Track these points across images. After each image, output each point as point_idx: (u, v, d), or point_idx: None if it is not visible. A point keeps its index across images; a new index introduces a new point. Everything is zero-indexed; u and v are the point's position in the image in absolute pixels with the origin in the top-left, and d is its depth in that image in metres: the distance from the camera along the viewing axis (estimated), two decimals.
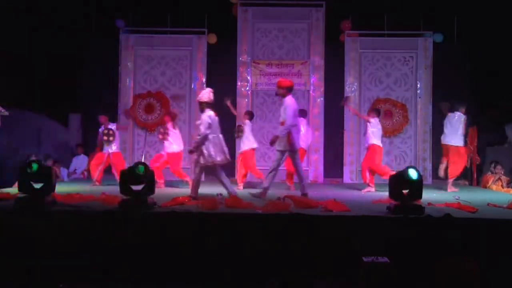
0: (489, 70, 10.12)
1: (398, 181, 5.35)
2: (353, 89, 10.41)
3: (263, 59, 10.50)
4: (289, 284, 4.44)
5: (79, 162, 10.27)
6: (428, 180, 10.01)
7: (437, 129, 10.12)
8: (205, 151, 6.55)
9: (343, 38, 10.55)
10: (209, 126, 6.56)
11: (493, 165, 8.94)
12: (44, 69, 10.07)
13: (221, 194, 6.21)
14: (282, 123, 6.76)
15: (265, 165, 10.35)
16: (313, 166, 10.23)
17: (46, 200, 5.37)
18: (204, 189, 7.15)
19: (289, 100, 6.79)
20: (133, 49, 10.54)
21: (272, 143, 6.90)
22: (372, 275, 4.31)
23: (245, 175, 8.59)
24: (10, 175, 7.40)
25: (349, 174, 10.27)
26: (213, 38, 10.60)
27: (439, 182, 9.07)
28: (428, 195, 7.00)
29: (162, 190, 7.65)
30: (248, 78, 10.40)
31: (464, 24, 10.42)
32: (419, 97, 10.38)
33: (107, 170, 9.01)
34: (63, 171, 9.72)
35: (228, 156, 6.80)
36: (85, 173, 10.17)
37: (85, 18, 10.63)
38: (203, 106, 6.72)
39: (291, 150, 6.84)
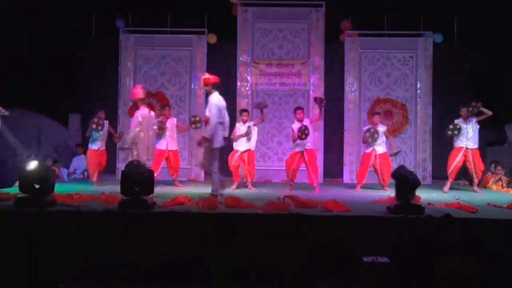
0: (489, 70, 10.11)
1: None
2: (353, 89, 10.40)
3: (263, 59, 10.49)
4: (289, 284, 4.44)
5: (79, 162, 10.25)
6: (428, 180, 10.00)
7: (437, 129, 10.14)
8: (134, 151, 6.66)
9: (343, 38, 10.54)
10: (139, 124, 6.60)
11: (493, 165, 8.92)
12: (44, 69, 10.07)
13: (221, 194, 6.21)
14: (206, 120, 6.60)
15: (265, 165, 10.39)
16: None
17: (46, 200, 5.38)
18: (204, 189, 7.17)
19: (213, 97, 6.60)
20: (133, 49, 10.52)
21: (199, 144, 6.68)
22: (372, 275, 4.32)
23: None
24: (10, 175, 7.40)
25: (349, 174, 10.25)
26: (213, 38, 10.59)
27: (439, 182, 9.07)
28: (428, 195, 7.02)
29: (161, 190, 7.64)
30: (248, 78, 10.39)
31: (464, 24, 10.42)
32: (419, 97, 10.36)
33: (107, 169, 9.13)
34: (63, 171, 9.72)
35: (151, 156, 6.88)
36: (85, 173, 10.17)
37: (85, 18, 10.62)
38: (137, 103, 6.75)
39: (210, 146, 6.60)
